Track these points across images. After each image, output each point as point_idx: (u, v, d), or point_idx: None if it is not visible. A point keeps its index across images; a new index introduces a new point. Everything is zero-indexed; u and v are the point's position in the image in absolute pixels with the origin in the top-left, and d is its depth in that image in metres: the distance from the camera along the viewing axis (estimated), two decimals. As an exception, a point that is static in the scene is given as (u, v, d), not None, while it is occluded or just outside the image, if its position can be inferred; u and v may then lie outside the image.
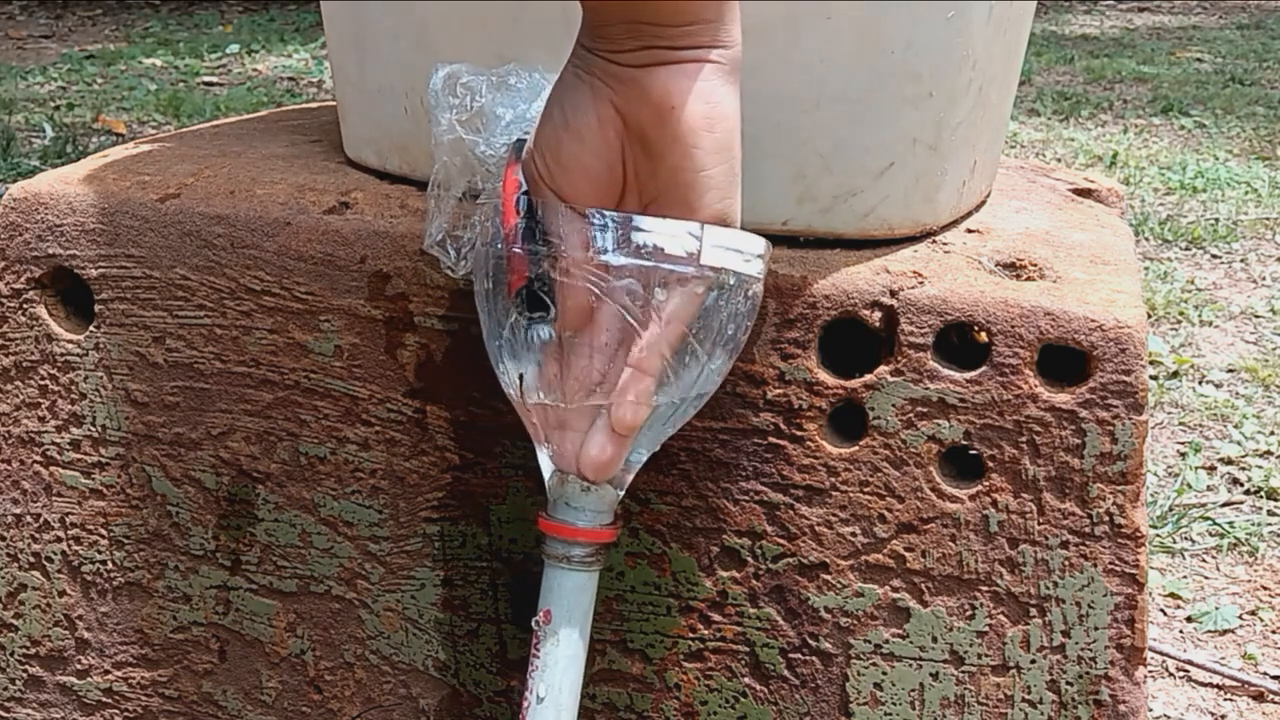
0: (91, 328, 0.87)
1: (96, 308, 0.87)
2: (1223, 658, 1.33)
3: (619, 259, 0.63)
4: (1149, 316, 2.23)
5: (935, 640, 0.75)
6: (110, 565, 0.90)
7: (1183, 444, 1.79)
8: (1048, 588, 0.74)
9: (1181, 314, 2.26)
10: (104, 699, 0.92)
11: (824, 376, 0.75)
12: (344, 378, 0.83)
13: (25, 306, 0.88)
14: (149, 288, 0.85)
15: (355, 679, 0.86)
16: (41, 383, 0.89)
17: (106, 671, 0.92)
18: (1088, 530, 0.73)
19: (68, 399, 0.89)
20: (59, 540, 0.91)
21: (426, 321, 0.80)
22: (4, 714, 0.96)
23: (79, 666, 0.93)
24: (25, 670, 0.94)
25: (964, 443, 0.74)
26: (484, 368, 0.71)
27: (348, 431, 0.83)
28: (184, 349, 0.86)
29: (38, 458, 0.91)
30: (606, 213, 0.63)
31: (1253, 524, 1.58)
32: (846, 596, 0.76)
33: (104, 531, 0.90)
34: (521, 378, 0.66)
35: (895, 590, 0.75)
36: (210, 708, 0.90)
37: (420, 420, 0.81)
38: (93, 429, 0.89)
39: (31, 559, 0.92)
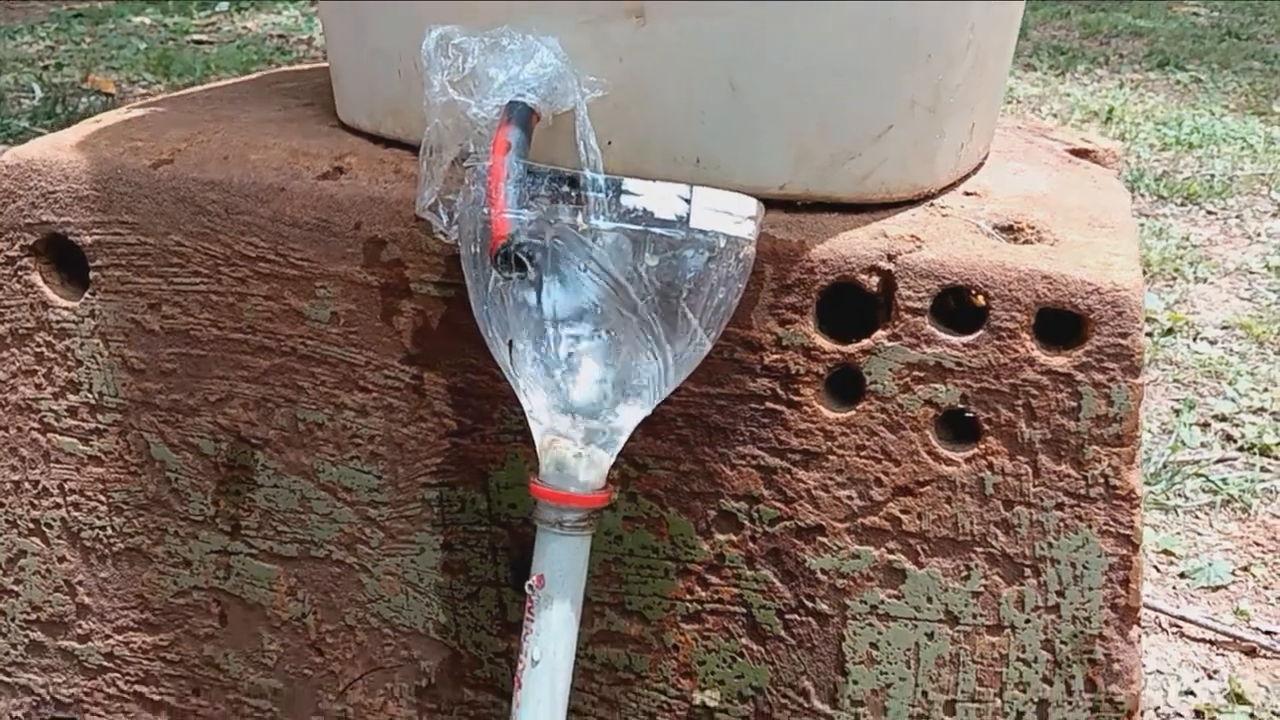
0: (87, 294, 0.87)
1: (91, 275, 0.87)
2: (1215, 613, 1.34)
3: (607, 223, 0.63)
4: (1144, 273, 2.23)
5: (930, 601, 0.76)
6: (110, 531, 0.91)
7: (1177, 401, 1.80)
8: (1043, 549, 0.74)
9: (1176, 271, 2.26)
10: (105, 663, 0.93)
11: (821, 341, 0.75)
12: (341, 344, 0.83)
13: (20, 274, 0.88)
14: (144, 254, 0.85)
15: (357, 641, 0.87)
16: (38, 350, 0.89)
17: (107, 636, 0.93)
18: (1083, 492, 0.73)
19: (64, 366, 0.89)
20: (58, 506, 0.91)
21: (423, 288, 0.80)
22: (6, 679, 0.96)
23: (80, 631, 0.93)
24: (26, 636, 0.95)
25: (960, 406, 0.74)
26: (481, 334, 0.71)
27: (345, 398, 0.83)
28: (180, 315, 0.86)
29: (35, 425, 0.91)
30: (595, 175, 0.63)
31: (1246, 480, 1.59)
32: (843, 558, 0.76)
33: (103, 497, 0.90)
34: (511, 345, 0.66)
35: (891, 552, 0.76)
36: (212, 671, 0.91)
37: (418, 386, 0.81)
38: (90, 395, 0.89)
39: (31, 525, 0.92)
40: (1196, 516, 1.53)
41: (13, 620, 0.95)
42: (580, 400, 0.66)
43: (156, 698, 0.92)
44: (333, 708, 0.88)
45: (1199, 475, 1.61)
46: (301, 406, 0.84)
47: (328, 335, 0.83)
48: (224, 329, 0.85)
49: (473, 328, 0.72)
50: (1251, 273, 2.28)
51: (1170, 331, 2.02)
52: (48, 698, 0.95)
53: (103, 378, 0.88)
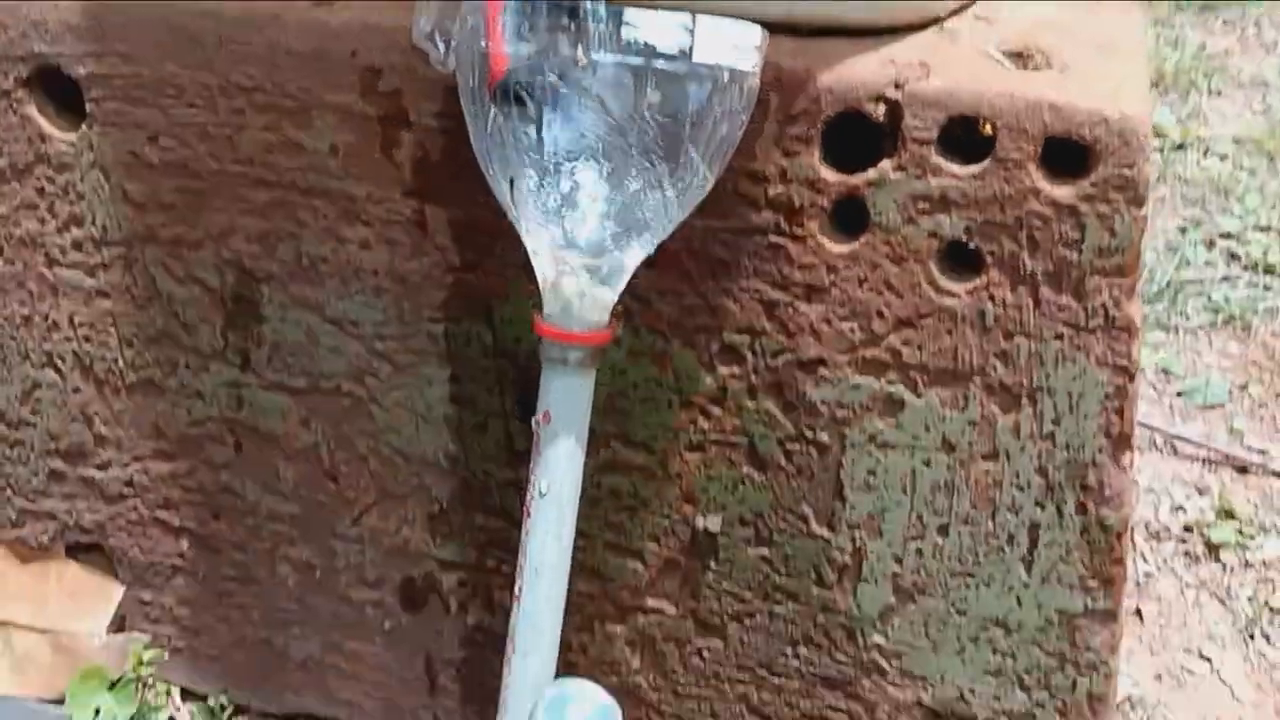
0: (84, 127, 0.86)
1: (88, 107, 0.85)
2: (1210, 432, 1.37)
3: (608, 57, 0.61)
4: (1157, 86, 2.18)
5: (928, 430, 0.77)
6: (121, 363, 0.92)
7: (1184, 218, 1.79)
8: (1040, 379, 0.75)
9: (1191, 83, 2.21)
10: (125, 490, 0.96)
11: (826, 173, 0.74)
12: (341, 177, 0.82)
13: (15, 106, 0.87)
14: (139, 85, 0.84)
15: (369, 470, 0.89)
16: (38, 184, 0.89)
17: (126, 465, 0.95)
18: (1082, 323, 0.74)
19: (66, 200, 0.89)
20: (69, 340, 0.93)
21: (422, 119, 0.79)
22: (30, 505, 0.99)
23: (99, 460, 0.96)
24: (47, 464, 0.97)
25: (964, 238, 0.74)
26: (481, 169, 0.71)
27: (347, 231, 0.83)
28: (178, 148, 0.85)
29: (40, 259, 0.91)
30: (595, 5, 0.61)
31: (1248, 299, 1.59)
32: (843, 390, 0.77)
33: (112, 331, 0.91)
34: (513, 182, 0.66)
35: (891, 383, 0.77)
36: (230, 497, 0.93)
37: (420, 220, 0.81)
38: (93, 229, 0.89)
39: (44, 358, 0.94)
40: (1196, 335, 1.55)
41: (32, 450, 0.97)
42: (583, 238, 0.66)
43: (177, 523, 0.96)
44: (349, 532, 0.91)
45: (1201, 294, 1.61)
46: (304, 240, 0.84)
47: (327, 167, 0.82)
48: (223, 161, 0.84)
49: (474, 161, 0.72)
50: (1266, 84, 2.23)
51: (1180, 146, 1.99)
52: (71, 523, 0.99)
53: (104, 211, 0.88)
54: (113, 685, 0.98)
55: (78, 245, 0.90)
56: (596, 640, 0.87)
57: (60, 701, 0.98)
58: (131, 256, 0.88)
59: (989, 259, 0.74)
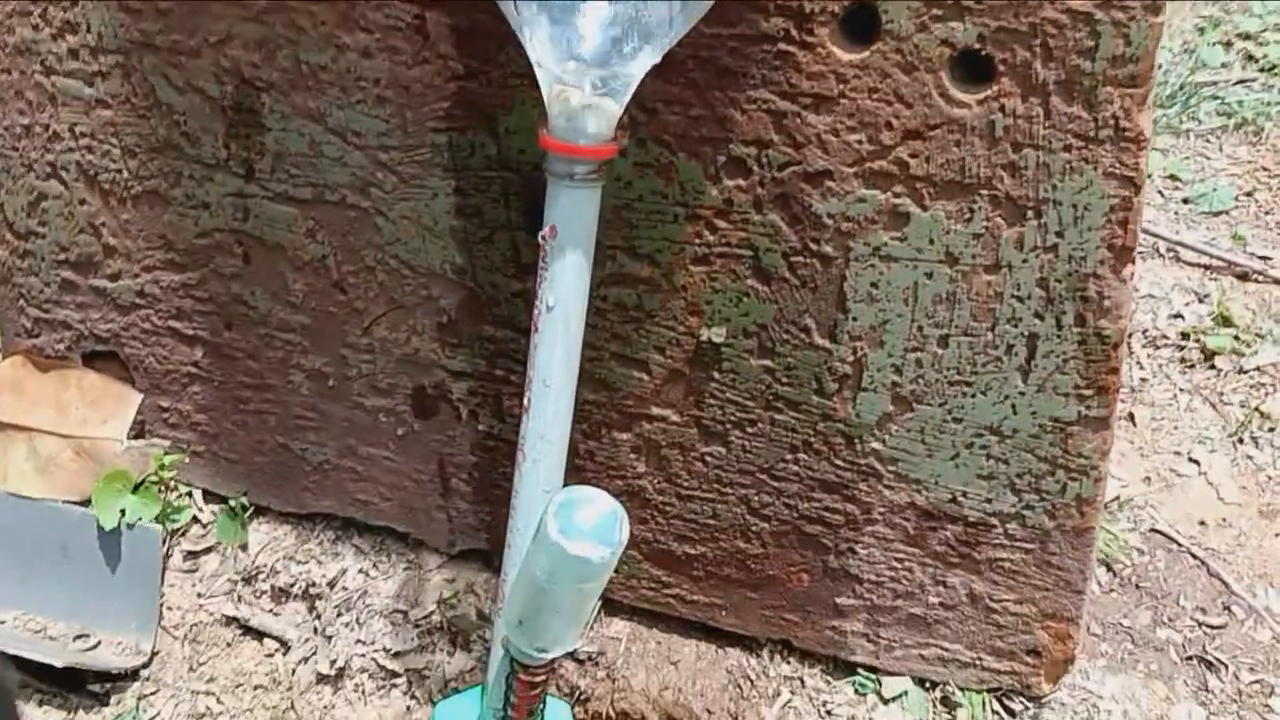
0: (70, -71, 0.83)
1: (72, -93, 0.83)
2: (1213, 238, 1.37)
3: None
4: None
5: (932, 242, 0.78)
6: (126, 174, 0.92)
7: (1202, 18, 1.74)
8: (1046, 190, 0.75)
9: None
10: (138, 300, 0.97)
11: (835, -22, 0.72)
12: (339, -18, 0.80)
13: (-3, -94, 0.84)
14: (124, -116, 0.81)
15: (378, 281, 0.90)
16: (28, -11, 0.87)
17: (136, 275, 0.96)
18: (1091, 134, 0.73)
19: (59, 5, 0.87)
20: (71, 150, 0.92)
21: (421, -79, 0.77)
22: (44, 315, 1.01)
23: (109, 271, 0.96)
24: (58, 275, 0.98)
25: (977, 46, 0.72)
26: (484, -24, 0.69)
27: (347, 38, 0.82)
28: (170, -49, 0.82)
29: (37, 67, 0.90)
30: None
31: (1262, 103, 1.56)
32: (849, 202, 0.77)
33: (115, 141, 0.91)
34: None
35: (897, 196, 0.77)
36: (241, 307, 0.95)
37: (420, 26, 0.80)
38: (89, 37, 0.87)
39: (48, 169, 0.93)
40: (1208, 140, 1.53)
41: (43, 260, 0.98)
42: (587, 48, 0.65)
43: (190, 332, 0.97)
44: (359, 341, 0.93)
45: (1215, 97, 1.58)
46: (303, 47, 0.83)
47: (325, -27, 0.80)
48: (217, -34, 0.82)
49: (475, -33, 0.70)
50: (1300, -127, 2.13)
51: (1205, -59, 1.91)
52: (86, 332, 1.00)
53: (100, 17, 0.86)
54: (136, 488, 1.01)
55: (74, 53, 0.88)
56: (604, 446, 0.90)
57: (86, 503, 1.02)
58: (130, 65, 0.87)
59: (1001, 68, 0.72)
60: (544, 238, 0.68)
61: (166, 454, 1.02)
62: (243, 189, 0.89)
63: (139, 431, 1.03)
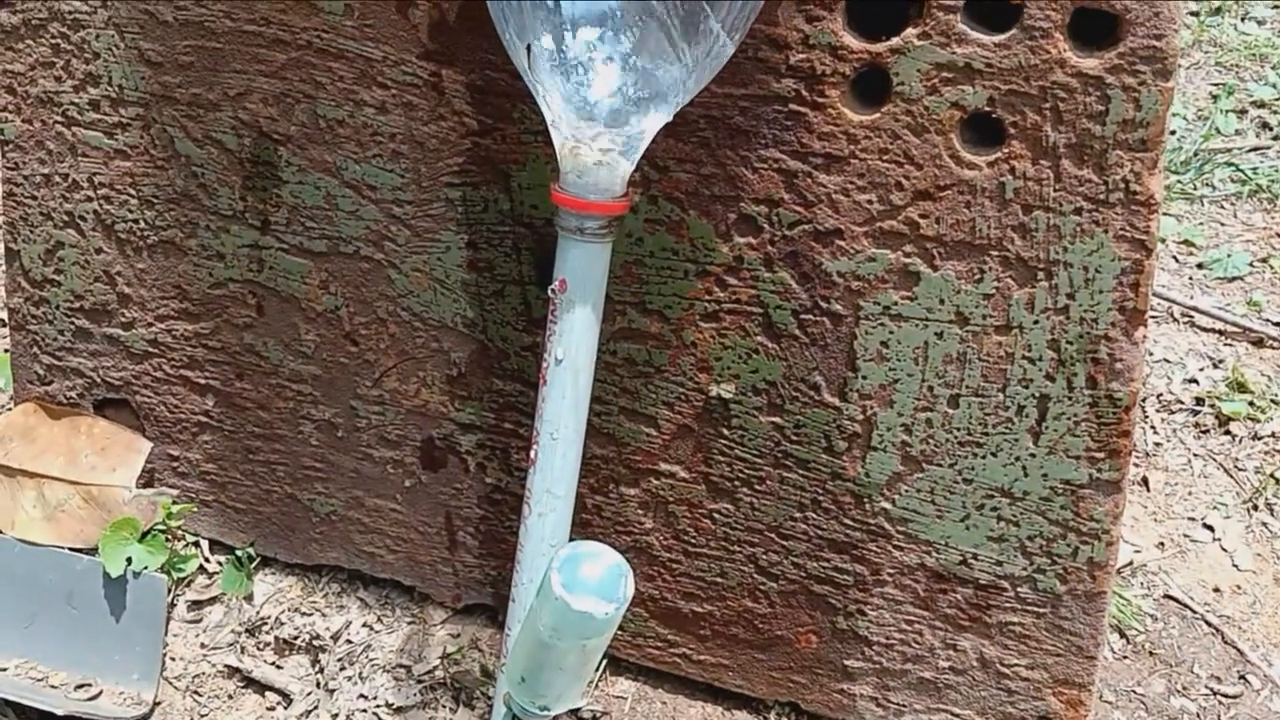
0: (96, -16, 0.85)
1: (99, -37, 0.84)
2: (1228, 304, 1.36)
3: None
4: (1198, -55, 2.11)
5: (942, 302, 0.78)
6: (143, 224, 0.93)
7: (1216, 85, 1.75)
8: (1057, 252, 0.75)
9: (1233, -58, 2.13)
10: (150, 349, 0.98)
11: (849, 40, 0.73)
12: (356, 38, 0.81)
13: (25, -39, 0.86)
14: (150, -59, 0.82)
15: (389, 333, 0.90)
16: (53, 41, 0.88)
17: (150, 324, 0.97)
18: (1102, 197, 0.73)
19: (81, 59, 0.88)
20: (89, 200, 0.93)
21: (439, -20, 0.78)
22: (57, 362, 1.01)
23: (123, 319, 0.97)
24: (72, 323, 0.99)
25: (987, 109, 0.73)
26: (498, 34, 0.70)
27: (364, 94, 0.83)
28: (193, 6, 0.84)
29: (59, 118, 0.91)
30: None
31: (1276, 170, 1.57)
32: (859, 261, 0.78)
33: (133, 191, 0.92)
34: (529, 48, 0.65)
35: (907, 255, 0.77)
36: (253, 358, 0.95)
37: (436, 84, 0.81)
38: (110, 89, 0.88)
39: (65, 218, 0.94)
40: (1222, 206, 1.53)
41: (58, 308, 0.99)
42: (600, 107, 0.65)
43: (202, 381, 0.97)
44: (370, 393, 0.93)
45: (1229, 164, 1.59)
46: (321, 102, 0.84)
47: (343, 28, 0.81)
48: (238, 20, 0.83)
49: (490, 23, 0.71)
50: (1313, -55, 2.15)
51: (1218, 11, 1.93)
52: (99, 380, 1.01)
53: (121, 70, 0.87)
54: (143, 536, 1.01)
55: (95, 105, 0.89)
56: (611, 501, 0.89)
57: (92, 551, 1.02)
58: (149, 117, 0.88)
59: (1012, 130, 0.73)
60: (554, 291, 0.69)
61: (175, 503, 1.02)
62: (258, 240, 0.90)
63: (148, 480, 1.03)
